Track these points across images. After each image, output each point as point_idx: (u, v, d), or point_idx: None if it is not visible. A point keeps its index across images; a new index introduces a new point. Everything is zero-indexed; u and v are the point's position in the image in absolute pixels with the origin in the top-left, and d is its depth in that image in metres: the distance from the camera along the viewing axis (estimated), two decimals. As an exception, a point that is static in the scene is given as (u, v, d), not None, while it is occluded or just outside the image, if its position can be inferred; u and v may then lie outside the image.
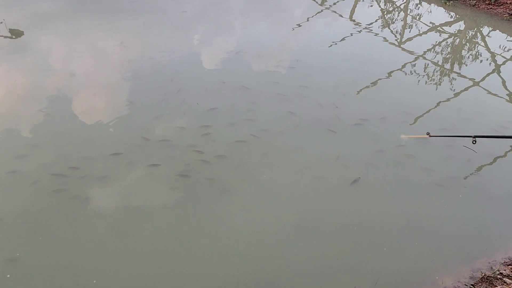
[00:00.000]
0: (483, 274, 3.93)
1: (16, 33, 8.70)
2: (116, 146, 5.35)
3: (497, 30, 9.96)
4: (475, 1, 11.08)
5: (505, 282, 3.85)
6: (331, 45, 8.78)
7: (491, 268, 4.03)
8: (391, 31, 9.92)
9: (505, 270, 3.97)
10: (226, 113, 6.15)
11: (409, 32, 9.97)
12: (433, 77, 7.67)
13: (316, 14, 10.87)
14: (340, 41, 9.04)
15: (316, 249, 4.18)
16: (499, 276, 3.91)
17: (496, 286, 3.82)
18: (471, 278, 3.96)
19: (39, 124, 5.80)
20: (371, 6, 11.79)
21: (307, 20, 10.41)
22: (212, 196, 4.71)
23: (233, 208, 4.57)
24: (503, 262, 4.10)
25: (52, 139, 5.50)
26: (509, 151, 5.72)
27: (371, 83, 7.21)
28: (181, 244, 4.17)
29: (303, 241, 4.25)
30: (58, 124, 5.79)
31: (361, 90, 6.99)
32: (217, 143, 5.50)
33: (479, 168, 5.37)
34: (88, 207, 4.51)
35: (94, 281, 3.73)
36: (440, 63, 8.34)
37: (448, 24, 10.37)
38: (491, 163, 5.48)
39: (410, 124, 6.16)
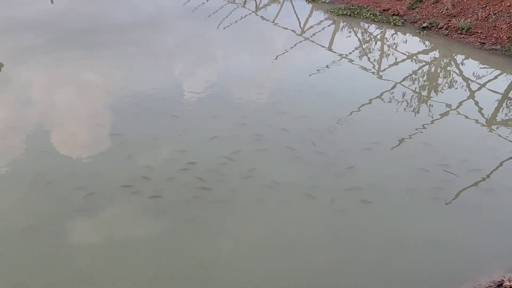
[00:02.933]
0: (469, 299, 3.94)
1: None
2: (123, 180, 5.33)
3: (470, 58, 10.35)
4: (447, 31, 11.54)
5: (491, 307, 3.85)
6: (311, 75, 8.96)
7: (477, 292, 4.04)
8: (369, 60, 10.20)
9: (490, 294, 3.99)
10: (227, 143, 6.21)
11: (387, 60, 10.28)
12: (411, 104, 7.87)
13: (295, 45, 11.14)
14: (321, 70, 9.24)
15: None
16: (485, 301, 3.92)
17: (483, 311, 3.82)
18: (457, 303, 3.96)
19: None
20: (349, 36, 12.15)
21: (290, 49, 10.66)
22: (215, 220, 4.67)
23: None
24: (488, 286, 4.11)
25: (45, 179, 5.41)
26: (493, 172, 5.85)
27: (353, 111, 7.37)
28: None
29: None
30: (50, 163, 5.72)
31: (339, 120, 7.13)
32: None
33: (462, 192, 5.45)
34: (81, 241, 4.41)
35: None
36: (417, 90, 8.57)
37: (424, 52, 10.74)
38: (475, 187, 5.57)
39: (392, 148, 6.28)
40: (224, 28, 12.26)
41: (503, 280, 4.16)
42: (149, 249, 4.40)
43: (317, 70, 9.12)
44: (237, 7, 14.82)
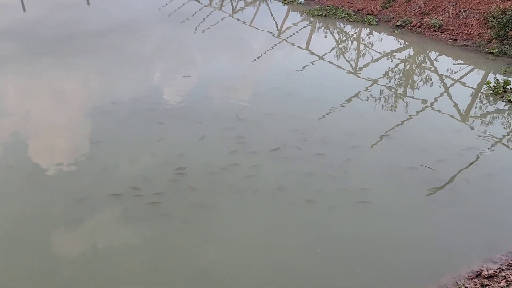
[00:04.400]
0: (449, 290, 4.04)
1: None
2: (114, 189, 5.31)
3: (443, 55, 10.60)
4: (420, 29, 11.81)
5: (470, 296, 3.97)
6: (288, 77, 9.03)
7: (456, 283, 4.15)
8: (346, 59, 10.35)
9: (469, 284, 4.10)
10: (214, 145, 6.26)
11: (363, 59, 10.44)
12: (388, 101, 8.02)
13: (272, 48, 11.21)
14: (298, 71, 9.33)
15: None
16: (464, 291, 4.04)
17: (463, 300, 3.93)
18: (438, 295, 4.07)
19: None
20: (325, 36, 12.29)
21: (267, 51, 10.72)
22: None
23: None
24: (467, 276, 4.23)
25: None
26: (470, 167, 6.01)
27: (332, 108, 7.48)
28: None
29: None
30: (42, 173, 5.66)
31: (323, 116, 7.24)
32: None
33: (439, 187, 5.58)
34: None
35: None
36: (394, 87, 8.74)
37: (399, 50, 10.95)
38: (453, 181, 5.71)
39: (372, 145, 6.40)
40: (202, 31, 12.25)
41: (481, 270, 4.29)
42: (145, 252, 4.43)
43: (288, 77, 9.06)
44: (214, 10, 14.84)
